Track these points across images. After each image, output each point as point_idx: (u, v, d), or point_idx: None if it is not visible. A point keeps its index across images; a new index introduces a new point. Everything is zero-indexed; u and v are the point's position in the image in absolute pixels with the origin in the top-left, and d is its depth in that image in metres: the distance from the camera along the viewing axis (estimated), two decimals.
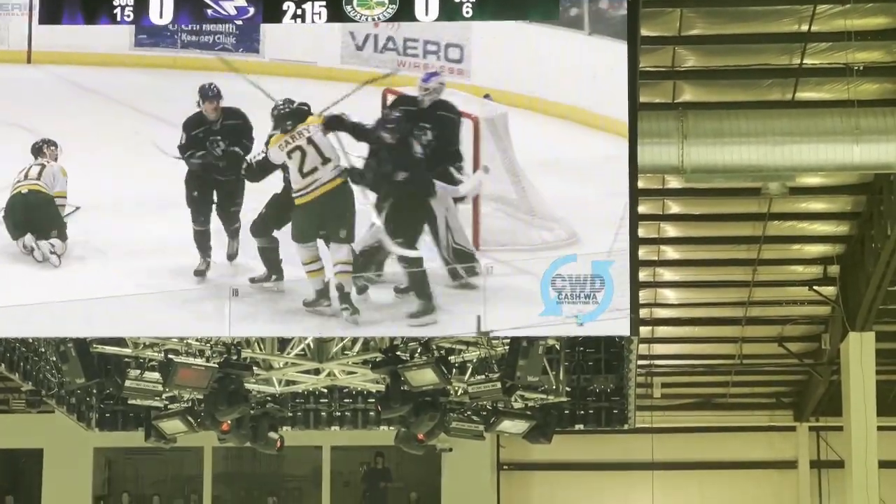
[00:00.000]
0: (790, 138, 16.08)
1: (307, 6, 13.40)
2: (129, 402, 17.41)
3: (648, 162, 15.72)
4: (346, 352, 16.46)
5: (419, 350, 15.36)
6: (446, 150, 13.82)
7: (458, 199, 13.65)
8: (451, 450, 26.04)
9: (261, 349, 16.34)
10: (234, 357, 15.62)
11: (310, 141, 13.65)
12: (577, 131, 13.64)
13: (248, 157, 13.89)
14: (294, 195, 13.65)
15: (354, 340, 16.19)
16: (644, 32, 15.33)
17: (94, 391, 17.92)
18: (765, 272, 23.15)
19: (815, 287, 23.42)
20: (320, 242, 13.65)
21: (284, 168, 13.77)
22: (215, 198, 13.97)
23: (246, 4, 13.55)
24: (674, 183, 20.09)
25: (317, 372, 17.08)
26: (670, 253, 22.91)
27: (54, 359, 15.84)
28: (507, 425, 17.01)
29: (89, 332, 14.36)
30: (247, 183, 13.87)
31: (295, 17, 13.44)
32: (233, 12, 13.59)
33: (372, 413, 18.09)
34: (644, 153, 14.71)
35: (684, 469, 29.17)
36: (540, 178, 13.60)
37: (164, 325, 13.83)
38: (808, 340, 26.00)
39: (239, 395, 15.92)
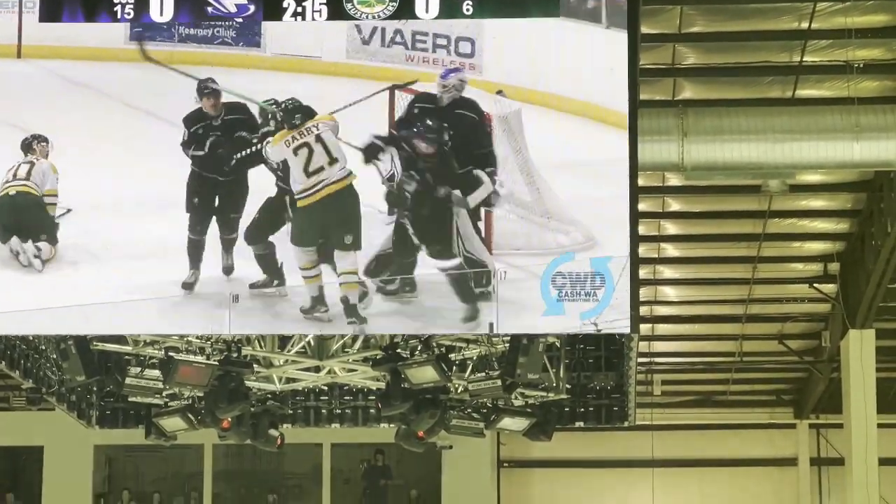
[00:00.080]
0: (790, 136, 16.09)
1: (307, 3, 13.28)
2: (130, 399, 17.40)
3: (648, 159, 15.72)
4: (346, 349, 16.45)
5: (419, 348, 15.35)
6: (469, 153, 13.35)
7: (487, 205, 13.19)
8: (451, 447, 26.02)
9: (261, 347, 16.33)
10: (235, 354, 15.60)
11: (318, 139, 13.27)
12: (593, 128, 13.10)
13: (243, 152, 13.72)
14: (297, 196, 13.30)
15: (355, 338, 16.19)
16: (644, 29, 15.30)
17: (95, 389, 17.89)
18: (765, 269, 23.14)
19: (815, 284, 23.43)
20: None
21: (280, 169, 13.52)
22: (216, 204, 13.72)
23: (246, 2, 13.48)
24: (674, 180, 20.08)
25: (317, 369, 17.07)
26: (670, 250, 22.91)
27: (55, 356, 15.82)
28: (508, 423, 17.00)
29: (88, 330, 14.23)
30: (250, 188, 13.63)
31: (295, 14, 13.34)
32: (233, 10, 13.50)
33: (372, 410, 18.06)
34: (644, 150, 14.66)
35: (684, 466, 29.18)
36: (555, 179, 13.14)
37: (163, 325, 13.79)
38: (808, 338, 26.01)
39: (239, 393, 15.91)
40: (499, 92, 13.41)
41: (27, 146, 13.83)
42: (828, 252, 22.72)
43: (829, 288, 23.35)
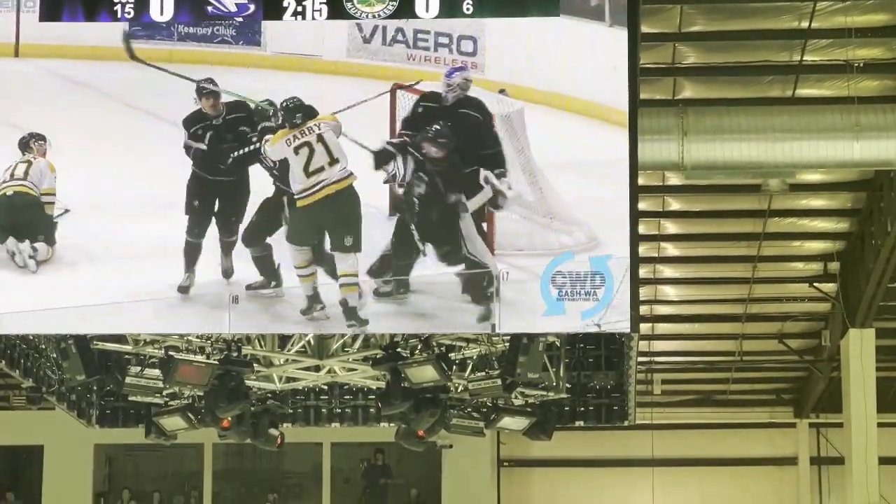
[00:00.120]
0: (790, 135, 16.10)
1: (307, 3, 13.25)
2: (130, 398, 17.38)
3: (649, 158, 15.74)
4: (346, 349, 16.46)
5: (419, 347, 15.35)
6: (473, 152, 13.26)
7: (494, 207, 13.12)
8: (451, 446, 26.04)
9: (261, 346, 16.33)
10: (235, 354, 15.60)
11: (319, 138, 13.20)
12: (595, 128, 13.01)
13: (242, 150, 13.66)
14: (296, 196, 13.22)
15: (355, 337, 16.18)
16: (644, 29, 15.30)
17: (95, 388, 17.87)
18: (765, 269, 23.15)
19: (815, 284, 23.43)
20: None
21: (277, 168, 13.45)
22: (217, 206, 13.64)
23: (246, 2, 13.46)
24: (674, 179, 20.10)
25: (317, 369, 17.06)
26: (670, 249, 22.91)
27: (55, 356, 15.81)
28: (508, 422, 17.00)
29: (87, 329, 14.20)
30: (251, 191, 13.54)
31: (295, 14, 13.32)
32: (233, 9, 13.47)
33: (372, 410, 18.04)
34: (644, 149, 14.66)
35: (684, 465, 29.19)
36: (557, 178, 13.06)
37: (163, 326, 13.78)
38: (808, 337, 26.01)
39: (239, 392, 15.90)
40: (501, 91, 13.32)
41: (25, 145, 13.75)
42: (828, 251, 22.72)
43: (829, 287, 23.35)
